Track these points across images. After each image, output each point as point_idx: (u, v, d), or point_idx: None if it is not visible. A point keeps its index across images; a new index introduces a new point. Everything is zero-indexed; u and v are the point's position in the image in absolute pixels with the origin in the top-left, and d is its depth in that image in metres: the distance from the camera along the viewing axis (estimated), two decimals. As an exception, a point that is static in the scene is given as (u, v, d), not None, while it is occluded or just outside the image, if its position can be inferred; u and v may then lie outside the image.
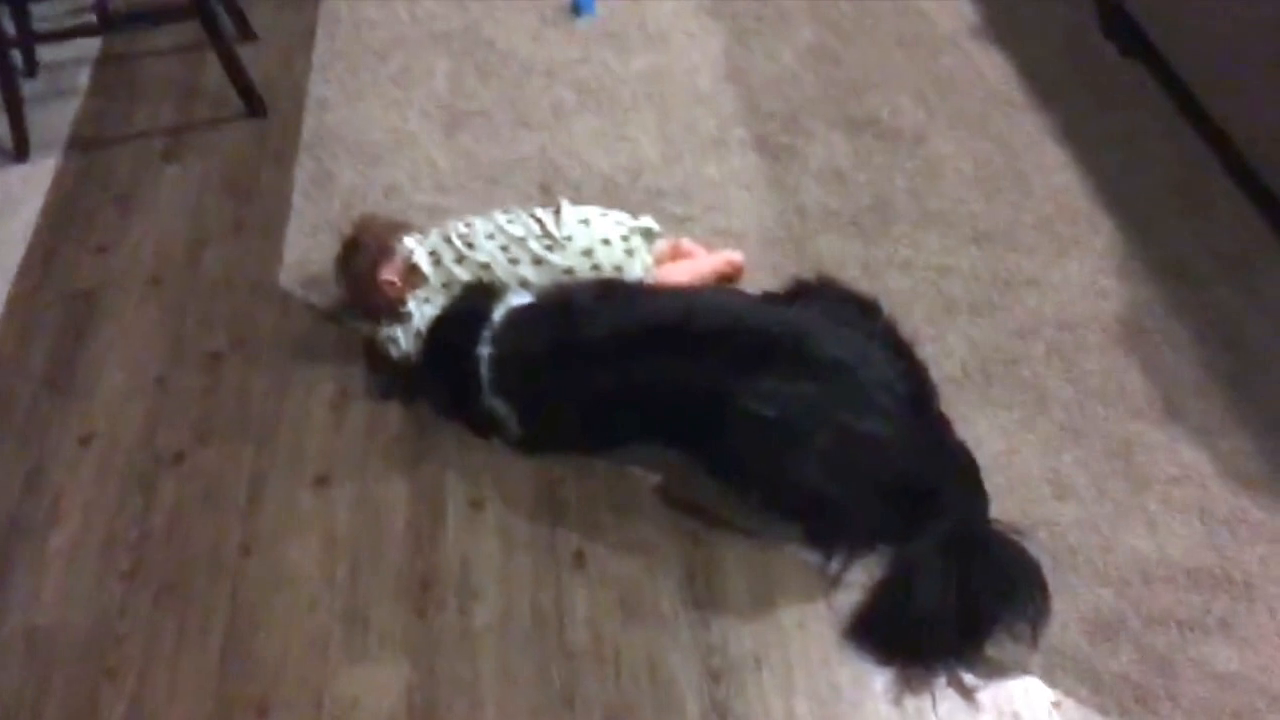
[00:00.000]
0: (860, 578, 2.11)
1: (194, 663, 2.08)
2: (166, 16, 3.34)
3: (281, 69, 3.50)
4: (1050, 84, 3.20)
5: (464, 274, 2.48)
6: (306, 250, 2.85)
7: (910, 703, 1.93)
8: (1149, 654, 1.96)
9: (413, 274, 2.51)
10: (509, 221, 2.53)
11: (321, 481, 2.35)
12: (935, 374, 2.33)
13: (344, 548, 2.23)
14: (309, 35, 3.63)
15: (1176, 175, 2.87)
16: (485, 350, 2.30)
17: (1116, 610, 2.02)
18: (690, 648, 2.03)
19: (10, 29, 3.30)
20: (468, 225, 2.55)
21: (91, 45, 3.64)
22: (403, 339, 2.45)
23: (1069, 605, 2.02)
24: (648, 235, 2.56)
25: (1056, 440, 2.30)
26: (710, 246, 2.69)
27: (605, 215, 2.57)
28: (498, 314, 2.34)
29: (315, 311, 2.71)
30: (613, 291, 2.34)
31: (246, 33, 3.63)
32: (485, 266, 2.48)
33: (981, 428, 2.32)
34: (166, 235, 2.94)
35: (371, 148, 3.16)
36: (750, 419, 2.09)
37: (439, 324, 2.41)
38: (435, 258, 2.51)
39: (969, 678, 1.95)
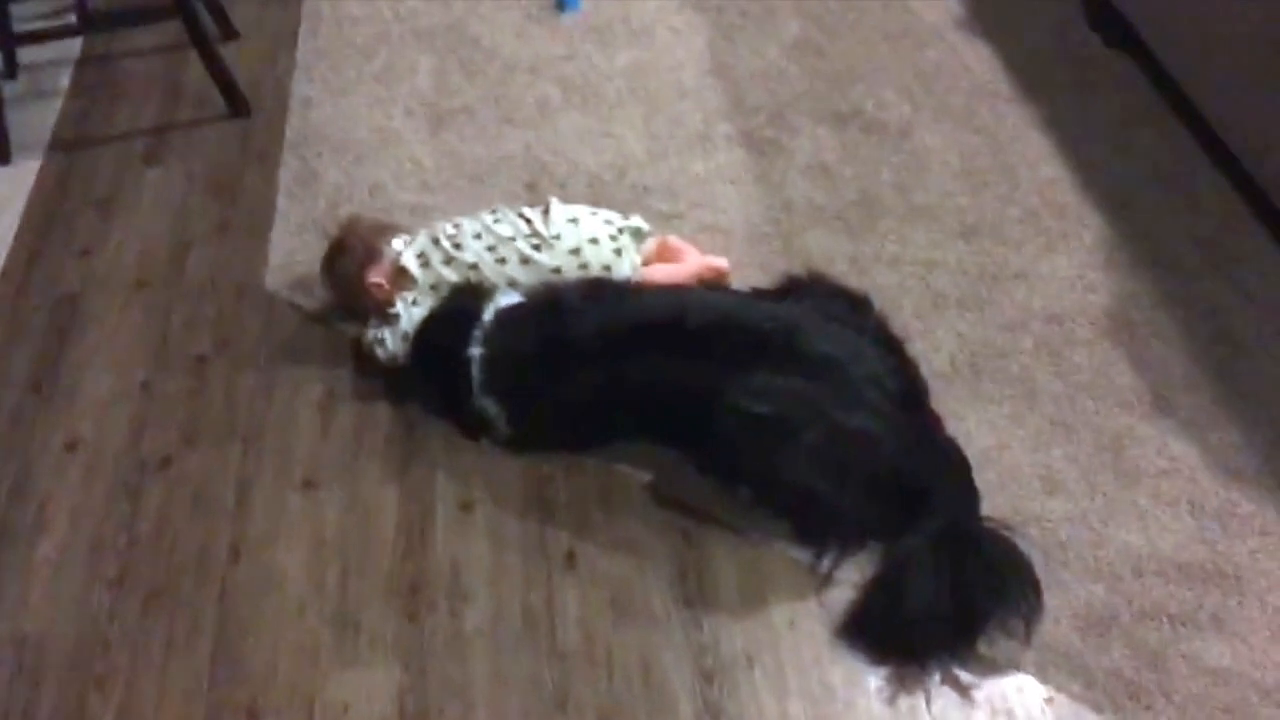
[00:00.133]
0: (851, 575, 2.10)
1: (183, 669, 2.06)
2: (148, 16, 3.33)
3: (264, 68, 3.48)
4: (1036, 76, 3.19)
5: (452, 275, 2.47)
6: (292, 251, 2.83)
7: (904, 702, 1.93)
8: (1141, 649, 1.96)
9: (400, 276, 2.50)
10: (496, 221, 2.52)
11: (309, 484, 2.34)
12: (924, 369, 2.33)
13: (333, 551, 2.22)
14: (292, 33, 3.60)
15: (1163, 167, 2.87)
16: (476, 351, 2.29)
17: (1108, 605, 2.02)
18: (682, 647, 2.03)
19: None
20: (455, 226, 2.54)
21: (72, 46, 3.60)
22: (390, 341, 2.44)
23: (1061, 601, 2.02)
24: (636, 234, 2.55)
25: (1046, 435, 2.29)
26: (698, 244, 2.68)
27: (594, 214, 2.56)
28: (487, 314, 2.33)
29: (301, 313, 2.69)
30: (602, 290, 2.33)
31: (228, 31, 3.60)
32: (473, 267, 2.46)
33: (971, 423, 2.31)
34: (150, 237, 2.92)
35: (356, 146, 3.14)
36: (741, 416, 2.09)
37: (428, 325, 2.39)
38: (423, 259, 2.49)
39: (963, 675, 1.94)
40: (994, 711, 1.91)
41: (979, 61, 3.27)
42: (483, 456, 2.36)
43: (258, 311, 2.71)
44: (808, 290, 2.35)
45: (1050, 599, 2.00)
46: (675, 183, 2.94)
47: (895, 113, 3.11)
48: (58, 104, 3.41)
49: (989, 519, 2.11)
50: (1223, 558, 2.08)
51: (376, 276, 2.50)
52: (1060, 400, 2.36)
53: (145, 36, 3.60)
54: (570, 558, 2.18)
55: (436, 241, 2.51)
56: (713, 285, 2.56)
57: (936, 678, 1.95)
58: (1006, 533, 2.08)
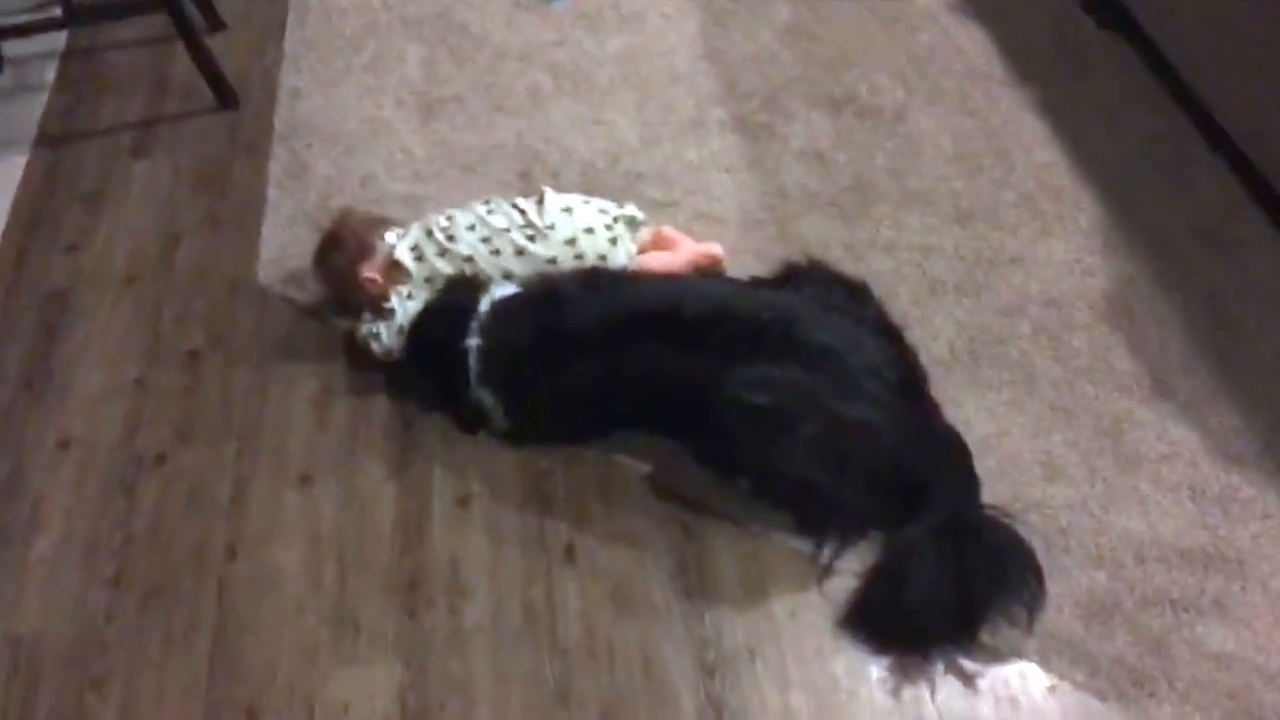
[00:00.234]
0: (852, 565, 2.09)
1: (181, 669, 2.05)
2: (134, 9, 3.29)
3: (252, 59, 3.44)
4: (1029, 59, 3.18)
5: (446, 267, 2.45)
6: (283, 244, 2.81)
7: (907, 692, 1.92)
8: (1144, 636, 1.96)
9: (394, 269, 2.47)
10: (490, 212, 2.50)
11: (306, 481, 2.32)
12: (923, 356, 2.32)
13: (330, 548, 2.21)
14: (279, 24, 3.56)
15: (1158, 149, 2.86)
16: (473, 342, 2.27)
17: (1111, 592, 2.02)
18: (684, 641, 2.02)
19: (-27, 25, 3.24)
20: (448, 218, 2.51)
21: (57, 39, 3.56)
22: (385, 335, 2.42)
23: (1063, 588, 2.02)
24: (631, 223, 2.53)
25: (1046, 420, 2.29)
26: (692, 233, 2.66)
27: (589, 203, 2.54)
28: (483, 306, 2.31)
29: (294, 307, 2.66)
30: (598, 280, 2.31)
31: (215, 23, 3.56)
32: (468, 259, 2.44)
33: (970, 410, 2.30)
34: (139, 232, 2.89)
35: (346, 137, 3.11)
36: (739, 407, 2.07)
37: (424, 318, 2.37)
38: (417, 252, 2.47)
39: (966, 664, 1.94)
40: (997, 700, 1.91)
41: (972, 45, 3.25)
42: (480, 450, 2.34)
43: (250, 306, 2.68)
44: (806, 278, 2.33)
45: (1052, 586, 2.00)
46: (669, 170, 2.92)
47: (889, 97, 3.09)
48: (43, 98, 3.37)
49: (990, 507, 2.10)
50: (1224, 542, 2.08)
51: (370, 271, 2.48)
52: (1059, 385, 2.35)
53: (131, 29, 3.56)
54: (569, 551, 2.16)
55: (430, 234, 2.49)
56: (708, 272, 2.54)
57: (940, 667, 1.94)
58: (1007, 520, 2.07)
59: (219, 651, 2.07)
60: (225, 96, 3.27)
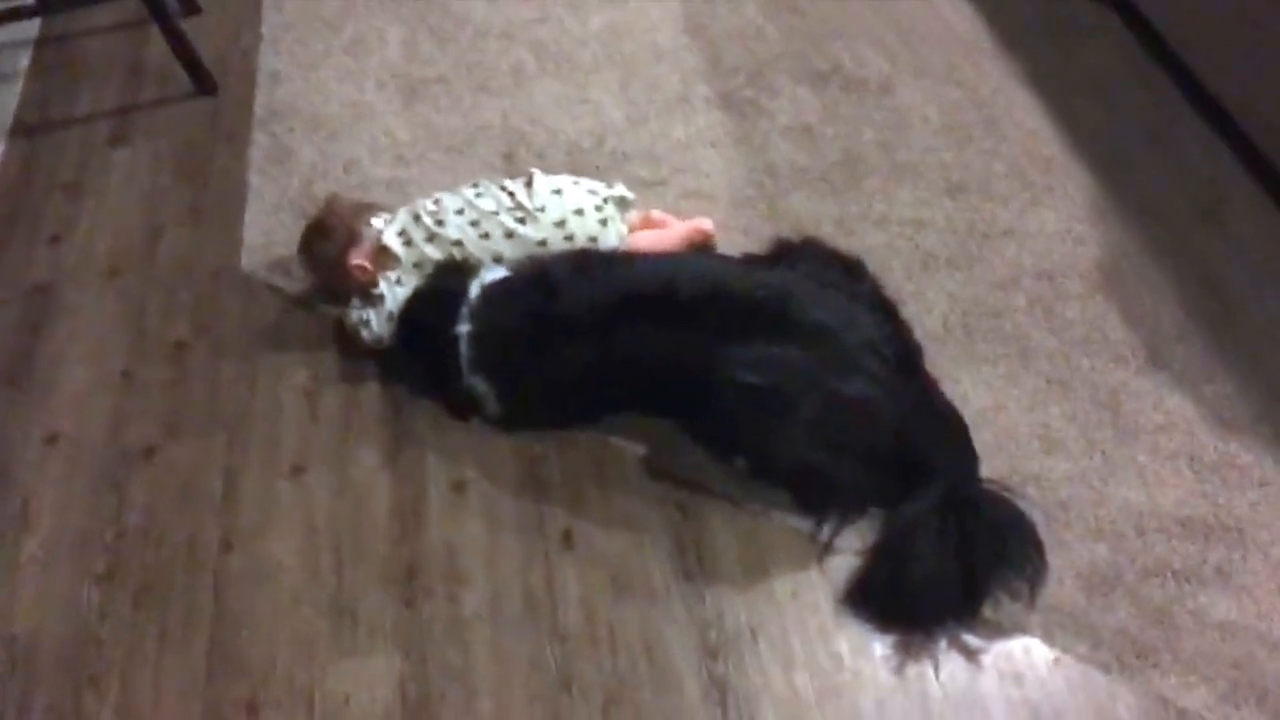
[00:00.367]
0: (852, 543, 2.09)
1: (179, 665, 2.03)
2: (109, -6, 3.24)
3: (229, 43, 3.40)
4: (1015, 28, 3.16)
5: (435, 252, 2.42)
6: (268, 231, 2.77)
7: (911, 669, 1.92)
8: (1146, 607, 1.95)
9: (382, 256, 2.44)
10: (478, 195, 2.47)
11: (298, 471, 2.30)
12: (917, 331, 2.31)
13: (326, 538, 2.19)
14: (255, 6, 3.52)
15: (1147, 117, 2.85)
16: (464, 328, 2.24)
17: (1112, 564, 2.01)
18: (685, 623, 2.01)
19: (-56, 14, 3.18)
20: (436, 202, 2.48)
21: (29, 27, 3.50)
22: (375, 322, 2.39)
23: (1064, 561, 2.02)
24: (622, 204, 2.51)
25: (1043, 393, 2.28)
26: (681, 211, 2.64)
27: (578, 184, 2.50)
28: (473, 291, 2.28)
29: (281, 295, 2.63)
30: (590, 262, 2.28)
31: (190, 6, 3.51)
32: (457, 243, 2.41)
33: (966, 384, 2.29)
34: (121, 223, 2.85)
35: (328, 121, 3.08)
36: (735, 387, 2.06)
37: (413, 304, 2.35)
38: (405, 237, 2.44)
39: (969, 640, 1.93)
40: (1001, 676, 1.91)
41: (957, 16, 3.23)
42: (473, 436, 2.32)
43: (236, 295, 2.65)
44: (799, 255, 2.31)
45: (1053, 559, 2.00)
46: (656, 148, 2.90)
47: (874, 70, 3.07)
48: (18, 87, 3.32)
49: (988, 481, 2.09)
50: (1224, 511, 2.08)
51: (358, 258, 2.45)
52: (1055, 357, 2.34)
53: (104, 14, 3.50)
54: (567, 536, 2.15)
55: (418, 218, 2.46)
56: (700, 248, 2.53)
57: (943, 644, 1.94)
58: (1007, 494, 2.06)
59: (216, 646, 2.05)
60: (203, 82, 3.22)
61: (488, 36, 3.31)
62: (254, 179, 2.92)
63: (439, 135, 2.99)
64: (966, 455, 2.11)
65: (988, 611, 1.95)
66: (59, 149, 3.08)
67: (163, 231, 2.82)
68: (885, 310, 2.23)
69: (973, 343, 2.38)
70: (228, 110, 3.17)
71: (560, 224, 2.42)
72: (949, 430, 2.14)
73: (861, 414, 2.06)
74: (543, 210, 2.43)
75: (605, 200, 2.48)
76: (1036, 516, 2.03)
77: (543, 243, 2.42)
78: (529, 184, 2.48)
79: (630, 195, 2.54)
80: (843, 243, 2.52)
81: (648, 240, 2.48)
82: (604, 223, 2.45)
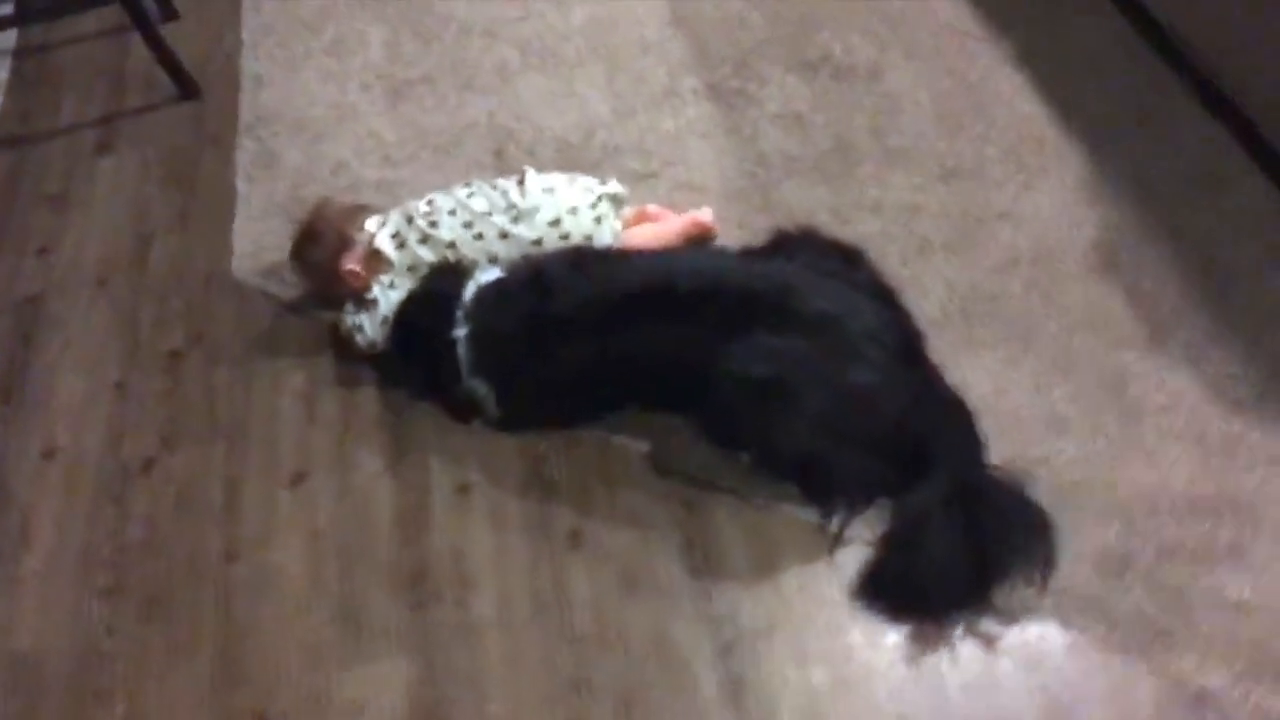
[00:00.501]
0: (861, 534, 2.07)
1: (187, 678, 2.02)
2: (88, 2, 3.20)
3: (210, 47, 3.36)
4: (1002, 11, 3.13)
5: (429, 254, 2.39)
6: (258, 237, 2.75)
7: (927, 659, 1.91)
8: (1161, 588, 1.94)
9: (375, 259, 2.41)
10: (470, 196, 2.44)
11: (299, 478, 2.28)
12: (915, 318, 2.29)
13: (330, 545, 2.17)
14: (234, 9, 3.48)
15: (1139, 95, 2.83)
16: (461, 331, 2.22)
17: (1123, 545, 2.00)
18: (697, 621, 2.00)
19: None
20: (428, 203, 2.46)
21: (7, 38, 3.47)
22: (369, 327, 2.37)
23: (1075, 544, 2.00)
24: (615, 200, 2.49)
25: (1045, 377, 2.26)
26: (674, 204, 2.62)
27: (571, 182, 2.48)
28: (468, 293, 2.26)
29: (274, 301, 2.61)
30: (586, 260, 2.26)
31: (168, 12, 3.48)
32: (450, 245, 2.39)
33: (967, 370, 2.27)
34: (109, 232, 2.83)
35: (313, 124, 3.05)
36: (738, 380, 2.05)
37: (408, 308, 2.32)
38: (398, 240, 2.42)
39: (984, 627, 1.92)
40: (1017, 661, 1.90)
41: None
42: (475, 437, 2.31)
43: (228, 302, 2.63)
44: (798, 246, 2.30)
45: (1065, 543, 1.98)
46: (645, 141, 2.87)
47: (863, 56, 3.05)
48: (-1, 99, 3.30)
49: (996, 466, 2.08)
50: (1233, 489, 2.07)
51: (351, 263, 2.42)
52: (1056, 340, 2.32)
53: (84, 22, 3.47)
54: (574, 536, 2.13)
55: (410, 221, 2.43)
56: (699, 241, 2.51)
57: (958, 632, 1.92)
58: (1015, 479, 2.05)
59: (224, 658, 2.03)
60: (186, 87, 3.20)
61: (470, 34, 3.28)
62: (241, 185, 2.90)
63: (426, 135, 2.97)
64: (972, 441, 2.10)
65: (1001, 598, 1.94)
66: (44, 160, 3.06)
67: (152, 240, 2.80)
68: (886, 298, 2.22)
69: (972, 328, 2.36)
70: (212, 115, 3.14)
71: (555, 223, 2.40)
72: (954, 417, 2.12)
73: (865, 403, 2.05)
74: (536, 209, 2.41)
75: (599, 197, 2.46)
76: (1045, 500, 2.02)
77: (538, 242, 2.40)
78: (521, 183, 2.46)
79: (624, 191, 2.53)
80: (837, 231, 2.50)
81: (645, 235, 2.46)
82: (598, 220, 2.43)
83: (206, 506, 2.25)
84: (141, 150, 3.05)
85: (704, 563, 2.07)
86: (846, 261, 2.26)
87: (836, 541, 2.07)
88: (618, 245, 2.42)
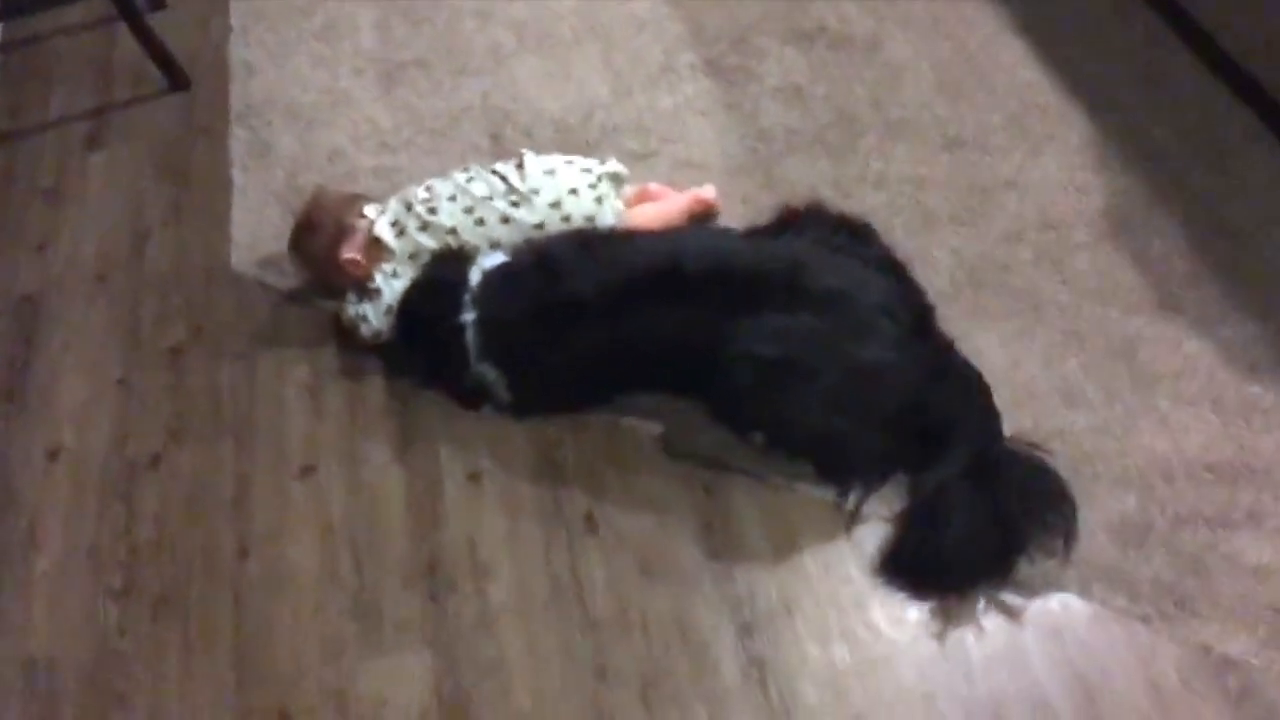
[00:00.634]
0: (879, 510, 2.06)
1: (205, 677, 2.00)
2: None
3: (198, 35, 3.31)
4: (997, -26, 3.11)
5: (430, 241, 2.36)
6: (255, 227, 2.72)
7: (950, 633, 1.90)
8: (1181, 555, 1.94)
9: (376, 248, 2.38)
10: (470, 181, 2.41)
11: (309, 471, 2.26)
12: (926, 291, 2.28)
13: (343, 538, 2.15)
14: (221, -4, 3.45)
15: (1140, 57, 2.81)
16: (469, 316, 2.20)
17: (1142, 514, 1.99)
18: (717, 602, 1.98)
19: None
20: (427, 189, 2.43)
21: (-8, 33, 3.44)
22: (373, 316, 2.34)
23: (1094, 514, 1.99)
24: (616, 180, 2.46)
25: (1058, 346, 2.25)
26: (676, 183, 2.60)
27: (570, 163, 2.45)
28: (473, 278, 2.24)
29: (274, 292, 2.58)
30: (592, 242, 2.23)
31: (156, 1, 3.43)
32: (452, 231, 2.36)
33: (980, 341, 2.26)
34: (105, 227, 2.79)
35: (306, 111, 3.01)
36: (750, 360, 2.03)
37: (413, 296, 2.30)
38: (398, 228, 2.39)
39: (1008, 600, 1.91)
40: (1041, 633, 1.89)
41: (938, -35, 3.18)
42: (484, 425, 2.29)
43: (228, 295, 2.60)
44: (806, 223, 2.27)
45: (1084, 513, 1.97)
46: (644, 120, 2.85)
47: (860, 26, 3.02)
48: (-14, 94, 3.26)
49: (1011, 439, 2.07)
50: (1250, 453, 2.06)
51: (351, 252, 2.39)
52: (1067, 309, 2.31)
53: (69, 14, 3.43)
54: (589, 521, 2.12)
55: (410, 207, 2.40)
56: (703, 218, 2.49)
57: (981, 606, 1.91)
58: (1032, 451, 2.04)
59: (242, 655, 2.02)
60: (175, 77, 3.15)
61: (462, 16, 3.24)
62: (236, 175, 2.86)
63: (422, 119, 2.94)
64: (988, 414, 2.09)
65: (1022, 570, 1.93)
66: (35, 155, 3.02)
67: (149, 233, 2.76)
68: (896, 272, 2.20)
69: (982, 299, 2.35)
70: (203, 105, 3.10)
71: (555, 205, 2.38)
72: (969, 390, 2.11)
73: (879, 378, 2.03)
74: (537, 192, 2.38)
75: (599, 178, 2.44)
76: (1063, 470, 2.01)
77: (539, 225, 2.37)
78: (520, 166, 2.43)
79: (624, 171, 2.50)
80: (842, 205, 2.47)
81: (648, 215, 2.44)
82: (599, 200, 2.40)
83: (216, 503, 2.23)
84: (133, 143, 3.01)
85: (722, 544, 2.06)
86: (855, 237, 2.24)
87: (854, 519, 2.05)
88: (621, 225, 2.39)
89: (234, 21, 3.35)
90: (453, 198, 2.39)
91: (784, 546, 2.04)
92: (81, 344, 2.54)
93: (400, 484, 2.22)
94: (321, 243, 2.42)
